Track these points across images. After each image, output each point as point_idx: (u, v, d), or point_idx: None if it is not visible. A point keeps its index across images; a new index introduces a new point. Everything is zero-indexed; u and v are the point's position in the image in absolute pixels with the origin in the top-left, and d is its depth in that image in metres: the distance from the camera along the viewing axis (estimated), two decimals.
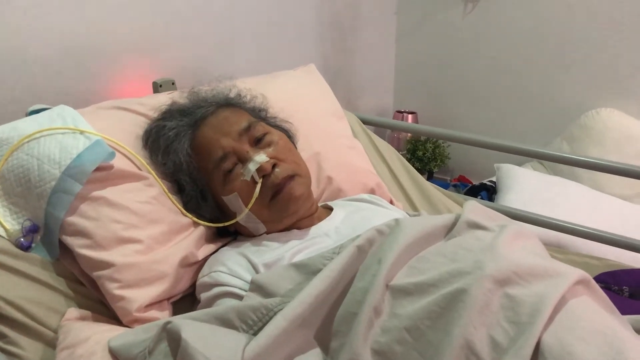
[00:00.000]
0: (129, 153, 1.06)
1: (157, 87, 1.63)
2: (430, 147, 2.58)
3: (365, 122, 1.67)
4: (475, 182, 2.51)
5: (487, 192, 2.16)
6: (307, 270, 0.89)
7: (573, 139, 2.28)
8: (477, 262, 0.76)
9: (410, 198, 1.47)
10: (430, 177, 2.66)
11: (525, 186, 2.05)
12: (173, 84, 1.65)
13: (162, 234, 1.00)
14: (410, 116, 2.65)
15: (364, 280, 0.81)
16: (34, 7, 1.38)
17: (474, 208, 0.96)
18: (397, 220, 0.91)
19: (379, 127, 2.07)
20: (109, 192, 0.98)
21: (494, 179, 2.29)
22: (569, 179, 2.14)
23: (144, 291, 0.93)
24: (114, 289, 0.91)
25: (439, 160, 2.60)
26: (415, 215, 1.18)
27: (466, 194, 2.17)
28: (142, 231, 0.98)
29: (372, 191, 1.32)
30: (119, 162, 1.02)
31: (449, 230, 0.92)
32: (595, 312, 0.73)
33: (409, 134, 2.64)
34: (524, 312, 0.70)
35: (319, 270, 0.87)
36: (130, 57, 1.64)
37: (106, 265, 0.92)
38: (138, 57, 1.66)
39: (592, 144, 2.21)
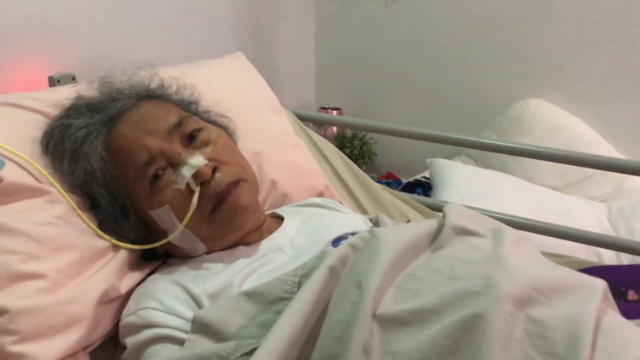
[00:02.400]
0: (24, 161, 0.82)
1: (55, 83, 1.39)
2: (358, 144, 2.47)
3: (299, 117, 1.50)
4: (404, 179, 2.44)
5: (423, 188, 2.07)
6: (264, 299, 0.72)
7: (502, 131, 2.25)
8: (486, 279, 0.62)
9: (358, 200, 1.32)
10: None
11: (461, 181, 1.99)
12: (74, 79, 1.41)
13: (73, 264, 0.78)
14: (334, 112, 2.52)
15: (343, 310, 0.65)
16: None
17: (458, 211, 0.82)
18: (371, 232, 0.75)
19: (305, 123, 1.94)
20: None
21: (426, 174, 2.22)
22: (499, 172, 2.12)
23: (52, 343, 0.71)
24: (7, 344, 0.68)
25: (366, 158, 2.50)
26: (373, 219, 1.03)
27: (402, 191, 2.06)
28: (45, 263, 0.75)
29: (320, 195, 1.16)
30: (10, 174, 0.78)
31: (434, 238, 0.78)
32: (630, 329, 0.61)
33: (335, 131, 2.51)
34: (559, 339, 0.56)
35: (278, 300, 0.71)
36: (20, 46, 1.38)
37: None
38: (29, 47, 1.40)
39: (521, 134, 2.19)
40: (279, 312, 0.69)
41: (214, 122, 0.96)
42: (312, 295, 0.66)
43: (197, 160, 0.82)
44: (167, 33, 1.78)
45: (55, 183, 0.83)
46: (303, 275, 0.73)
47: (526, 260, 0.68)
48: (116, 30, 1.61)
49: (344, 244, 0.73)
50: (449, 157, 2.29)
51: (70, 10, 1.48)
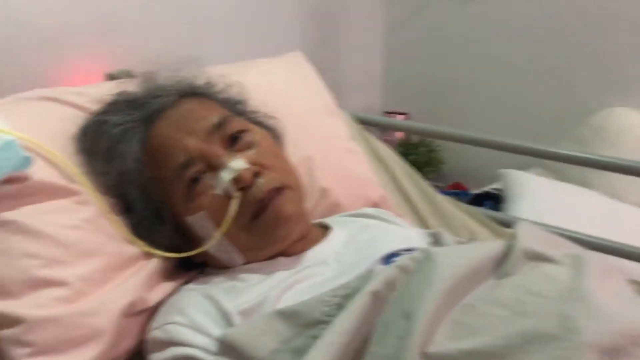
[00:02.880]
0: (55, 158, 0.77)
1: (111, 80, 1.37)
2: (424, 150, 2.34)
3: (360, 121, 1.41)
4: (473, 190, 2.30)
5: (493, 201, 1.92)
6: (300, 321, 0.64)
7: (582, 142, 2.07)
8: (563, 319, 0.51)
9: (419, 213, 1.21)
10: None
11: (536, 194, 1.84)
12: (131, 76, 1.39)
13: (99, 271, 0.72)
14: (401, 118, 2.41)
15: (386, 344, 0.56)
16: None
17: (531, 232, 0.70)
18: (426, 252, 0.65)
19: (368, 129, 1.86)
20: (23, 214, 0.70)
21: (496, 186, 2.07)
22: (580, 187, 1.94)
23: (68, 358, 0.65)
24: (21, 356, 0.64)
25: (433, 166, 2.37)
26: (433, 235, 0.93)
27: (469, 203, 1.93)
28: (68, 269, 0.70)
29: (375, 205, 1.06)
30: (39, 172, 0.74)
31: (499, 263, 0.67)
32: None
33: (400, 137, 2.40)
34: None
35: (315, 323, 0.63)
36: (79, 43, 1.37)
37: (11, 321, 0.64)
38: (89, 43, 1.40)
39: (604, 146, 2.00)
40: (316, 337, 0.61)
41: (260, 124, 0.89)
42: (350, 325, 0.57)
43: (237, 163, 0.75)
44: (228, 32, 1.74)
45: (87, 183, 0.78)
46: (345, 297, 0.64)
47: (616, 298, 0.56)
48: (176, 28, 1.58)
49: (392, 266, 0.64)
50: (523, 168, 2.13)
51: (129, 7, 1.46)
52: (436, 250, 0.65)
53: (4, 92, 1.17)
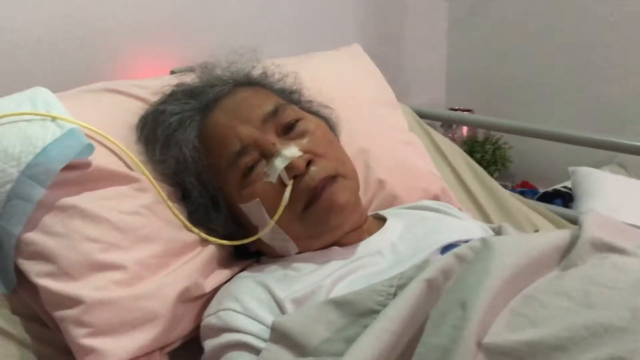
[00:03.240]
0: (116, 147, 0.80)
1: None
2: (490, 148, 2.26)
3: (420, 115, 1.38)
4: (541, 189, 2.20)
5: (563, 199, 1.83)
6: (353, 310, 0.62)
7: None
8: (635, 311, 0.47)
9: (481, 207, 1.17)
10: None
11: (610, 193, 1.73)
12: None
13: (156, 257, 0.73)
14: (465, 114, 2.34)
15: (441, 334, 0.53)
16: None
17: (599, 220, 0.66)
18: (484, 241, 0.62)
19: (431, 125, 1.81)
20: (84, 200, 0.72)
21: (567, 184, 1.98)
22: None
23: (124, 340, 0.67)
24: (80, 336, 0.65)
25: (499, 164, 2.28)
26: (495, 229, 0.89)
27: (537, 201, 1.85)
28: (126, 253, 0.71)
29: (435, 198, 1.02)
30: (100, 159, 0.76)
31: (564, 254, 0.62)
32: None
33: (465, 134, 2.33)
34: None
35: (369, 312, 0.61)
36: (146, 43, 1.41)
37: (72, 301, 0.66)
38: (155, 44, 1.44)
39: None
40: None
41: (315, 113, 0.88)
42: (403, 313, 0.55)
43: (290, 151, 0.75)
44: (288, 30, 1.74)
45: (146, 171, 0.79)
46: (399, 286, 0.62)
47: None
48: (238, 25, 1.60)
49: (448, 254, 0.61)
50: (596, 166, 2.02)
51: (194, 7, 1.50)
52: (495, 239, 0.62)
53: (76, 84, 1.23)
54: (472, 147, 2.28)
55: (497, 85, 2.41)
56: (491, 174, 2.29)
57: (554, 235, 0.64)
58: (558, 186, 1.98)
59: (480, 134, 2.35)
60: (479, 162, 2.24)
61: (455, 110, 2.36)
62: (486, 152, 2.26)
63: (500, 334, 0.52)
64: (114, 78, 1.35)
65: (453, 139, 2.34)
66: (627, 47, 2.03)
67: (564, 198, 1.84)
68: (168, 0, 1.45)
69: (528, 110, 2.33)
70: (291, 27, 1.76)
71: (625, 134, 2.00)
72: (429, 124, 1.43)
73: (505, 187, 2.43)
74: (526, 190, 2.10)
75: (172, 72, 1.40)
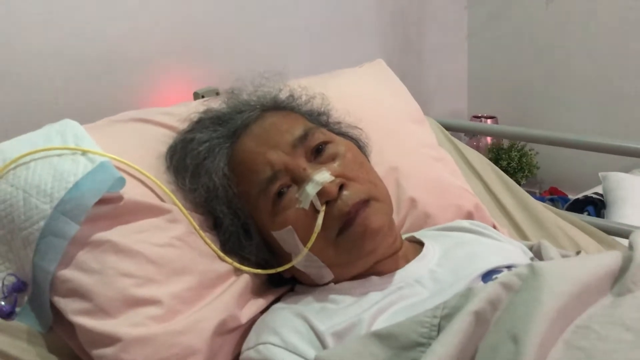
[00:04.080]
0: (147, 178, 0.79)
1: (199, 99, 1.40)
2: (516, 155, 2.23)
3: (445, 127, 1.36)
4: (571, 195, 2.16)
5: (594, 206, 1.79)
6: (397, 343, 0.60)
7: None
8: None
9: (516, 222, 1.14)
10: None
11: None
12: (217, 94, 1.41)
13: (191, 290, 0.72)
14: (489, 121, 2.32)
15: None
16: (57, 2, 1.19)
17: None
18: (532, 267, 0.59)
19: (454, 136, 1.79)
20: (117, 234, 0.72)
21: (597, 190, 1.93)
22: None
23: None
24: None
25: (526, 171, 2.25)
26: (534, 247, 0.86)
27: (568, 209, 1.81)
28: (161, 287, 0.70)
29: (469, 216, 1.00)
30: (132, 191, 0.75)
31: (617, 278, 0.60)
32: None
33: (489, 142, 2.30)
34: None
35: (413, 345, 0.59)
36: (170, 63, 1.43)
37: (110, 340, 0.65)
38: (178, 64, 1.45)
39: None
40: None
41: (344, 134, 0.87)
42: (451, 349, 0.53)
43: (322, 176, 0.73)
44: (310, 45, 1.74)
45: (177, 202, 0.78)
46: (443, 317, 0.60)
47: None
48: (258, 44, 1.60)
49: (494, 283, 0.59)
50: (627, 169, 1.97)
51: (213, 26, 1.50)
52: (542, 264, 0.59)
53: (101, 112, 1.24)
54: (497, 155, 2.25)
55: (519, 90, 2.38)
56: (518, 182, 2.27)
57: (605, 258, 0.61)
58: (588, 192, 1.94)
59: (505, 141, 2.32)
60: (505, 169, 2.22)
61: (479, 117, 2.34)
62: (512, 159, 2.23)
63: None
64: (137, 100, 1.37)
65: (477, 147, 2.31)
66: None
67: (596, 205, 1.80)
68: (189, 23, 1.45)
69: (552, 114, 2.29)
70: (313, 38, 1.76)
71: None
72: (452, 134, 1.41)
73: (533, 194, 2.40)
74: (555, 197, 2.06)
75: (195, 94, 1.41)
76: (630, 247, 0.63)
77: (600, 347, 0.50)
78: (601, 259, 0.61)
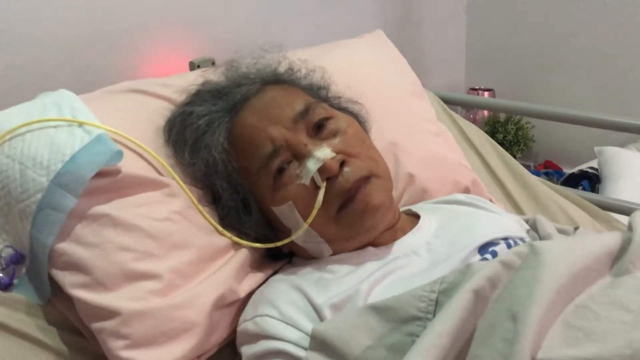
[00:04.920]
0: (145, 151, 0.78)
1: (195, 68, 1.38)
2: (512, 128, 2.23)
3: (444, 100, 1.35)
4: (566, 168, 2.16)
5: (589, 181, 1.80)
6: (394, 317, 0.61)
7: None
8: None
9: (512, 197, 1.14)
10: None
11: (638, 172, 1.70)
12: (213, 63, 1.39)
13: (190, 264, 0.72)
14: (486, 93, 2.30)
15: (492, 348, 0.52)
16: None
17: None
18: (532, 246, 0.59)
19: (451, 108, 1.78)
20: (115, 208, 0.71)
21: (592, 164, 1.94)
22: None
23: (163, 351, 0.66)
24: (119, 349, 0.65)
25: (522, 144, 2.25)
26: (530, 221, 0.87)
27: (564, 184, 1.82)
28: (160, 262, 0.70)
29: (466, 191, 1.00)
30: (130, 165, 0.75)
31: (616, 258, 0.60)
32: None
33: (486, 115, 2.29)
34: None
35: (411, 319, 0.60)
36: (166, 32, 1.40)
37: (109, 313, 0.65)
38: (173, 34, 1.42)
39: None
40: (412, 334, 0.58)
41: (344, 109, 0.86)
42: (451, 326, 0.53)
43: (323, 152, 0.73)
44: (308, 15, 1.71)
45: (176, 175, 0.78)
46: (441, 292, 0.61)
47: None
48: (256, 14, 1.57)
49: (494, 262, 0.59)
50: (623, 144, 1.98)
51: None
52: (542, 244, 0.59)
53: (98, 80, 1.23)
54: (494, 128, 2.25)
55: (517, 63, 2.36)
56: (514, 154, 2.27)
57: (605, 239, 0.61)
58: (583, 166, 1.95)
59: (502, 114, 2.31)
60: (501, 142, 2.22)
61: (476, 90, 2.32)
62: (508, 132, 2.23)
63: (556, 348, 0.50)
64: (132, 69, 1.35)
65: (474, 120, 2.30)
66: None
67: (591, 179, 1.81)
68: None
69: (549, 87, 2.28)
70: (311, 7, 1.73)
71: None
72: (449, 107, 1.41)
73: (528, 167, 2.41)
74: (550, 171, 2.06)
75: (191, 63, 1.39)
76: (630, 227, 0.63)
77: (598, 327, 0.51)
78: (601, 240, 0.61)
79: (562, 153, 2.30)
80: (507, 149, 2.23)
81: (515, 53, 2.35)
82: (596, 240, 0.61)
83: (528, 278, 0.55)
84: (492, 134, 2.24)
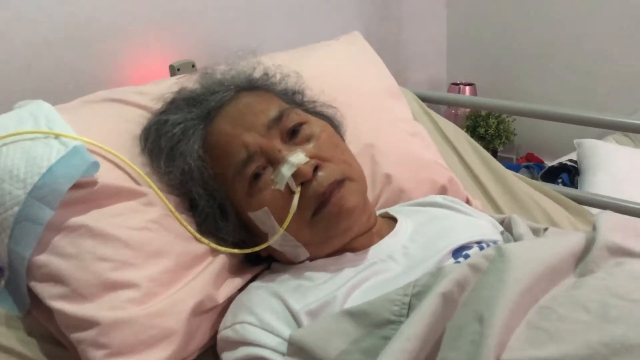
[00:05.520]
0: (121, 161, 0.79)
1: (175, 72, 1.38)
2: (493, 122, 2.26)
3: (421, 99, 1.36)
4: (547, 160, 2.19)
5: (569, 173, 1.83)
6: (369, 321, 0.62)
7: None
8: None
9: (490, 195, 1.16)
10: (493, 157, 2.34)
11: (616, 165, 1.74)
12: (193, 66, 1.40)
13: (168, 272, 0.73)
14: (467, 88, 2.33)
15: (459, 349, 0.53)
16: None
17: (614, 222, 0.65)
18: (499, 249, 0.61)
19: (432, 104, 1.79)
20: (92, 218, 0.72)
21: (572, 156, 1.97)
22: None
23: (142, 359, 0.67)
24: (98, 358, 0.66)
25: (503, 138, 2.28)
26: (504, 221, 0.88)
27: (544, 177, 1.85)
28: (138, 271, 0.71)
29: (443, 190, 1.02)
30: (106, 174, 0.75)
31: (580, 259, 0.62)
32: None
33: (468, 109, 2.32)
34: None
35: (385, 323, 0.61)
36: (141, 35, 1.39)
37: (88, 324, 0.66)
38: (150, 36, 1.41)
39: None
40: (386, 338, 0.60)
41: (319, 114, 0.87)
42: (420, 330, 0.55)
43: (297, 157, 0.74)
44: (288, 15, 1.71)
45: (153, 184, 0.79)
46: (414, 295, 0.62)
47: None
48: (236, 16, 1.58)
49: (463, 265, 0.61)
50: (601, 136, 2.01)
51: None
52: (509, 246, 0.61)
53: (75, 83, 1.22)
54: (475, 122, 2.28)
55: (498, 57, 2.39)
56: (496, 148, 2.29)
57: (568, 239, 0.63)
58: (564, 158, 1.97)
59: None
60: (483, 136, 2.25)
61: (458, 84, 2.34)
62: (490, 126, 2.26)
63: (519, 349, 0.52)
64: (112, 73, 1.35)
65: (456, 115, 2.33)
66: (631, 18, 2.00)
67: (570, 172, 1.84)
68: None
69: (530, 81, 2.31)
70: (291, 6, 1.73)
71: (628, 107, 1.99)
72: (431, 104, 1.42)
73: (510, 159, 2.44)
74: (531, 165, 2.09)
75: (171, 67, 1.39)
76: (594, 228, 0.65)
77: (560, 327, 0.52)
78: (566, 240, 0.63)
79: (543, 146, 2.33)
80: (489, 143, 2.27)
81: (496, 48, 2.38)
82: (561, 241, 0.63)
83: (494, 280, 0.57)
84: (474, 128, 2.27)
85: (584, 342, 0.49)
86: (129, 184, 0.78)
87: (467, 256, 0.74)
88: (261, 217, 0.76)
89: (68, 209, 0.71)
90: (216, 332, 0.75)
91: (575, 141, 1.91)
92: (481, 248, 0.76)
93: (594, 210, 1.20)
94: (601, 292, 0.54)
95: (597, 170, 1.73)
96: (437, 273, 0.63)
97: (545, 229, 0.81)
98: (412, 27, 2.23)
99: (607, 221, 0.65)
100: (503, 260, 0.59)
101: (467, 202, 1.04)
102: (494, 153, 2.32)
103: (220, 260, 0.79)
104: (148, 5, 1.39)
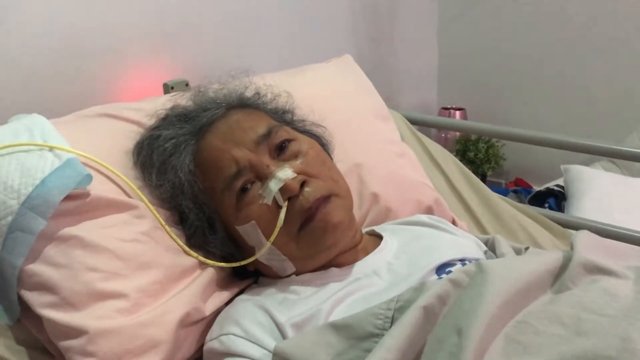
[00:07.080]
0: (114, 174, 0.81)
1: (169, 90, 1.40)
2: (483, 147, 2.29)
3: (411, 121, 1.39)
4: (535, 186, 2.22)
5: (555, 198, 1.86)
6: (352, 334, 0.64)
7: None
8: (624, 341, 0.49)
9: (475, 216, 1.18)
10: (482, 182, 2.36)
11: (602, 191, 1.76)
12: (187, 85, 1.42)
13: (156, 283, 0.75)
14: (458, 113, 2.36)
15: None
16: None
17: (590, 241, 0.67)
18: (479, 265, 0.63)
19: (422, 127, 1.83)
20: (84, 229, 0.73)
21: (559, 182, 2.00)
22: None
23: None
24: None
25: (492, 162, 2.31)
26: (488, 241, 0.90)
27: (531, 201, 1.87)
28: (127, 281, 0.72)
29: (429, 210, 1.04)
30: (98, 187, 0.77)
31: (557, 276, 0.64)
32: None
33: (458, 133, 2.35)
34: None
35: (368, 336, 0.62)
36: (135, 54, 1.42)
37: (76, 332, 0.67)
38: (144, 55, 1.44)
39: None
40: (368, 351, 0.61)
41: (307, 132, 0.89)
42: (400, 341, 0.56)
43: (284, 173, 0.76)
44: (281, 37, 1.75)
45: (144, 198, 0.80)
46: (397, 309, 0.64)
47: None
48: (230, 36, 1.60)
49: (445, 280, 0.63)
50: (588, 162, 2.04)
51: (184, 17, 1.50)
52: (489, 262, 0.63)
53: (69, 101, 1.23)
54: (465, 146, 2.31)
55: (488, 82, 2.43)
56: (485, 172, 2.32)
57: (546, 257, 0.65)
58: (551, 184, 2.00)
59: None
60: (473, 160, 2.28)
61: (448, 109, 2.38)
62: (479, 150, 2.29)
63: None
64: (106, 91, 1.37)
65: (446, 139, 2.36)
66: (618, 46, 2.06)
67: (557, 197, 1.87)
68: (159, 13, 1.45)
69: (520, 106, 2.35)
70: (284, 29, 1.76)
71: (616, 134, 2.03)
72: (421, 127, 1.45)
73: (499, 184, 2.46)
74: (520, 189, 2.12)
75: (165, 85, 1.42)
76: (571, 247, 0.67)
77: (535, 340, 0.54)
78: (544, 258, 0.65)
79: (531, 171, 2.36)
80: (478, 167, 2.30)
81: (486, 74, 2.42)
82: (539, 259, 0.65)
83: (473, 295, 0.59)
84: (464, 152, 2.30)
85: (557, 354, 0.51)
86: (121, 196, 0.80)
87: (449, 273, 0.76)
88: (248, 230, 0.78)
89: (60, 220, 0.73)
90: (203, 344, 0.76)
91: (562, 167, 1.94)
92: (464, 265, 0.78)
93: None
94: (575, 307, 0.56)
95: (583, 195, 1.76)
96: (419, 288, 0.65)
97: (527, 248, 0.83)
98: (404, 52, 2.28)
99: (584, 240, 0.67)
100: (483, 275, 0.61)
101: (453, 222, 1.06)
102: (483, 177, 2.34)
103: (209, 274, 0.80)
104: (144, 26, 1.42)
